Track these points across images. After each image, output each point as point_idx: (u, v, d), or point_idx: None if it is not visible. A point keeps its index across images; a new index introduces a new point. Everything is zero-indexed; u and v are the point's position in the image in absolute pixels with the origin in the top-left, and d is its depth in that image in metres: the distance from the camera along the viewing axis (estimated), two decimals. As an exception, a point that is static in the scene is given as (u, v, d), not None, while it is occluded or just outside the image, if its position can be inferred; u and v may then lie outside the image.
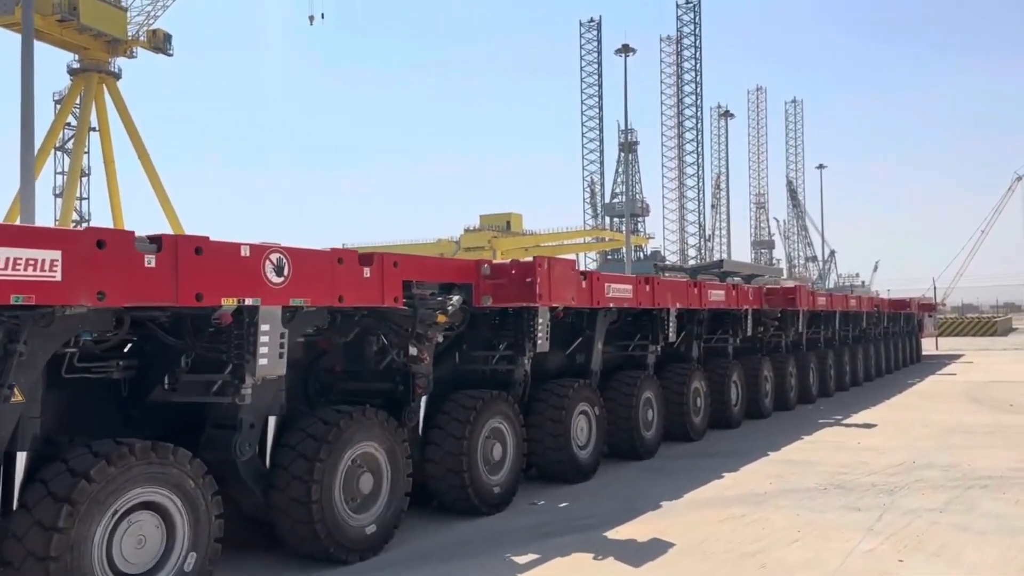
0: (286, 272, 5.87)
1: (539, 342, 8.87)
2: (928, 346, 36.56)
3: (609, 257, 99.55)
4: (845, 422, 14.54)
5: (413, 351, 7.41)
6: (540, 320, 8.80)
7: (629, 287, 10.82)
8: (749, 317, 14.65)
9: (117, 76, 63.33)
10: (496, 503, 8.14)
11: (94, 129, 63.73)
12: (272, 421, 6.32)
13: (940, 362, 29.61)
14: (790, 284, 76.47)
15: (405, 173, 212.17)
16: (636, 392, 10.93)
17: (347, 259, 6.36)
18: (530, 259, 7.91)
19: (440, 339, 8.93)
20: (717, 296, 13.49)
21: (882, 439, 12.52)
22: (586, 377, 10.51)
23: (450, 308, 7.59)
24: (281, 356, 5.91)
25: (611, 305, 10.44)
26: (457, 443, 7.74)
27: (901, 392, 19.66)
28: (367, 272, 6.57)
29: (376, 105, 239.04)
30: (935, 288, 37.80)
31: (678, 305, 12.18)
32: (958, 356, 32.51)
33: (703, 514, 8.03)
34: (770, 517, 7.86)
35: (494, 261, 8.18)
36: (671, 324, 12.03)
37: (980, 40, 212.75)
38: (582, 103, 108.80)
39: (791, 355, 16.81)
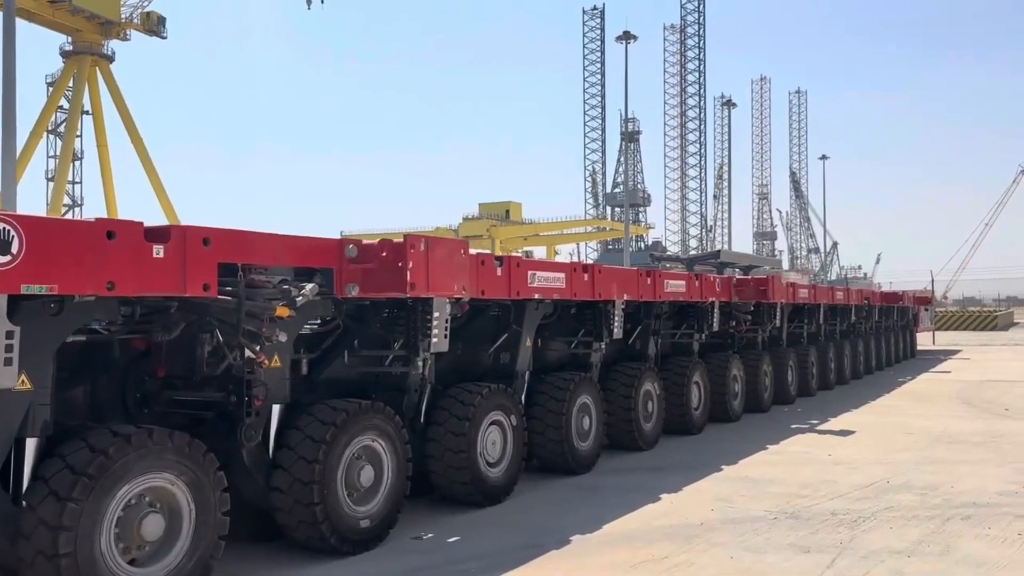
0: (15, 249, 4.30)
1: (434, 340, 7.29)
2: (925, 341, 34.86)
3: (610, 247, 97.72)
4: (821, 428, 12.93)
5: (249, 353, 5.86)
6: (436, 314, 7.23)
7: (561, 275, 9.23)
8: (716, 310, 13.04)
9: (110, 59, 61.82)
10: (363, 540, 6.56)
11: (87, 112, 62.30)
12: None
13: (936, 358, 27.93)
14: (792, 276, 74.26)
15: (406, 161, 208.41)
16: (569, 397, 9.36)
17: (123, 233, 4.77)
18: (402, 239, 6.28)
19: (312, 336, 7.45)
20: (676, 287, 11.88)
21: (857, 450, 10.92)
22: (511, 380, 8.98)
23: (299, 299, 6.03)
24: (8, 363, 4.36)
25: (537, 296, 8.85)
26: (308, 468, 6.16)
27: (889, 392, 18.03)
28: (159, 251, 4.98)
29: (377, 91, 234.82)
30: (933, 280, 36.09)
31: (626, 297, 10.58)
32: (955, 352, 30.80)
33: (616, 554, 6.45)
34: (696, 561, 6.27)
35: (367, 242, 6.55)
36: (616, 318, 10.44)
37: (986, 35, 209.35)
38: (584, 92, 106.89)
39: (766, 352, 15.19)
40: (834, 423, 13.39)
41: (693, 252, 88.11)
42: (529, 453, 9.16)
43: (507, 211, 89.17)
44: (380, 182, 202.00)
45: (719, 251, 70.43)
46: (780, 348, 16.14)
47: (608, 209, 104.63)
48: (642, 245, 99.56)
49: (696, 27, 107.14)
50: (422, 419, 7.81)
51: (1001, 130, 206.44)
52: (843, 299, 19.89)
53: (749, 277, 13.50)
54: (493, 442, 8.16)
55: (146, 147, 62.24)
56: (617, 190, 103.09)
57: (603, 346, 10.58)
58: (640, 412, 10.98)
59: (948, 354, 29.69)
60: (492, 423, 8.16)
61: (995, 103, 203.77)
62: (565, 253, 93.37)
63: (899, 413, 14.53)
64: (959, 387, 18.75)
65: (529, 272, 8.64)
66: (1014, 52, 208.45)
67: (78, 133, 63.26)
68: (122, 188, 65.72)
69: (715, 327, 13.11)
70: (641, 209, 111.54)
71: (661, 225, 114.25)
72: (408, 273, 6.21)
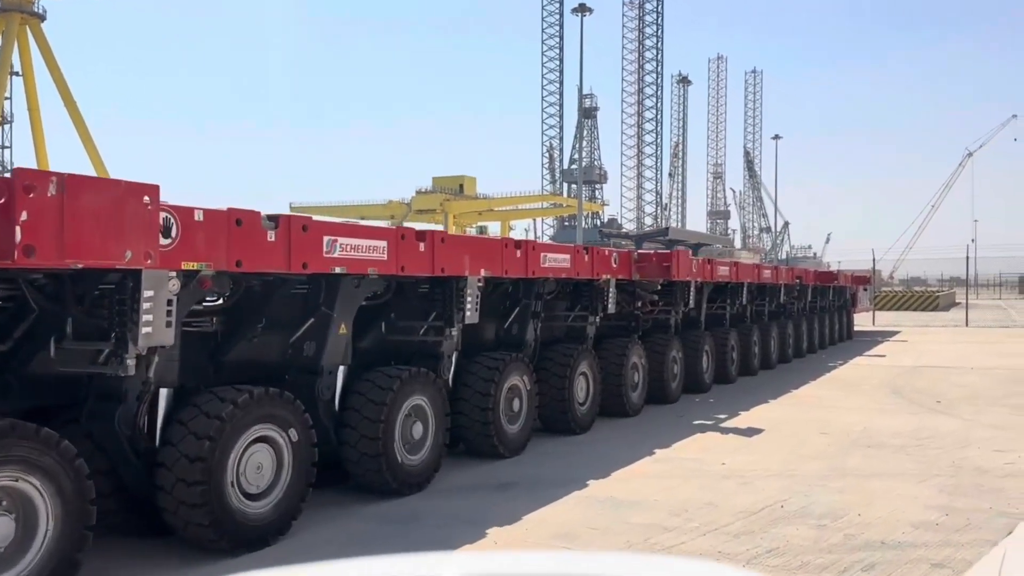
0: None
1: (146, 331, 5.18)
2: (864, 322, 33.40)
3: (566, 224, 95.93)
4: (726, 424, 11.07)
5: None
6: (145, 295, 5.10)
7: (381, 244, 7.15)
8: (612, 289, 11.06)
9: (42, 17, 58.24)
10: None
11: (17, 73, 58.75)
12: None
13: (873, 340, 26.39)
14: (744, 255, 73.13)
15: (359, 134, 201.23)
16: (392, 400, 7.29)
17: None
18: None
19: None
20: (557, 262, 9.87)
21: (758, 457, 9.04)
22: (316, 376, 6.97)
23: None
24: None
25: (339, 269, 6.76)
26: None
27: (815, 379, 16.27)
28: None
29: (329, 61, 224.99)
30: (875, 260, 34.64)
31: (483, 273, 8.55)
32: (894, 333, 29.34)
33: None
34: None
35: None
36: (469, 299, 8.40)
37: (939, 15, 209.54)
38: (543, 67, 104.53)
39: (675, 337, 13.29)
40: (744, 418, 11.53)
41: (649, 229, 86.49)
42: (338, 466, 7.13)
43: (461, 185, 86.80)
44: (333, 156, 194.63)
45: (667, 228, 69.07)
46: (695, 332, 14.25)
47: (565, 185, 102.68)
48: (597, 222, 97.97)
49: (655, 2, 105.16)
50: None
51: (951, 113, 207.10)
52: (771, 278, 18.07)
53: (651, 252, 11.54)
54: (258, 465, 6.08)
55: (79, 110, 58.82)
56: (574, 167, 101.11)
57: (454, 332, 8.54)
58: (502, 413, 8.98)
59: (886, 336, 28.20)
60: (255, 440, 6.07)
61: (946, 86, 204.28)
62: (520, 229, 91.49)
63: (820, 406, 12.73)
64: (891, 374, 17.07)
65: (326, 238, 6.54)
66: (968, 34, 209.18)
67: (7, 95, 59.74)
68: (55, 154, 62.11)
69: (611, 308, 11.13)
70: (597, 186, 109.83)
71: (617, 202, 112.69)
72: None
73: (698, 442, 9.96)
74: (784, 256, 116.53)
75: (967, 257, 33.39)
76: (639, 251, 11.44)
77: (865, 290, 28.95)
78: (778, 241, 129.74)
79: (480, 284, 8.57)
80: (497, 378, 8.86)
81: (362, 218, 64.41)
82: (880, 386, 15.14)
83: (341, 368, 7.29)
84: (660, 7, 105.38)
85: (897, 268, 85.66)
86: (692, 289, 13.65)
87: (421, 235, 7.71)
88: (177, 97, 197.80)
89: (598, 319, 10.95)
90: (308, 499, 6.36)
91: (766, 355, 17.74)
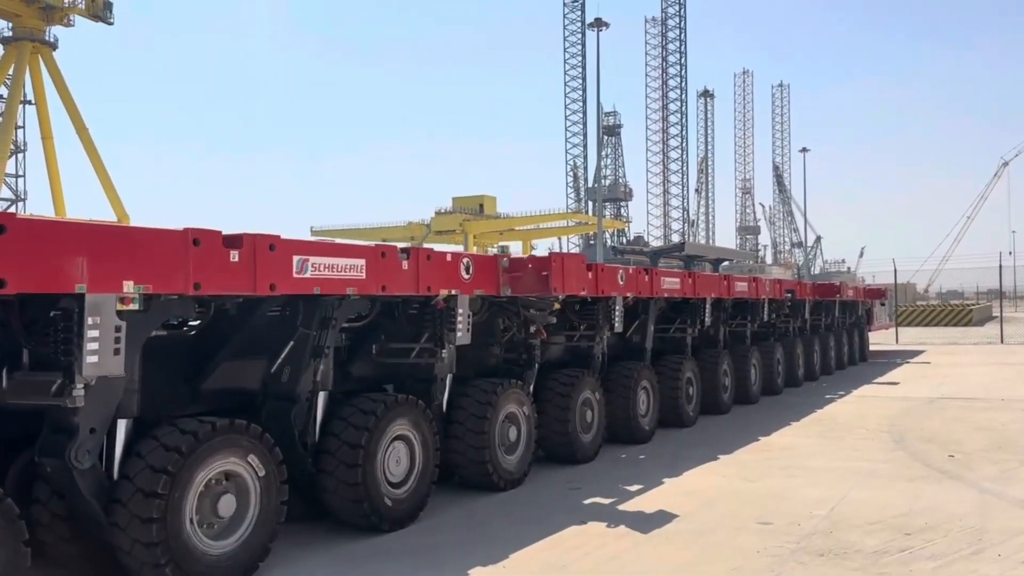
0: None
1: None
2: (887, 340, 29.22)
3: (591, 242, 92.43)
4: (625, 506, 7.40)
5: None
6: None
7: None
8: (464, 309, 7.51)
9: (53, 46, 56.60)
10: None
11: (29, 102, 57.18)
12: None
13: (891, 361, 22.31)
14: (775, 271, 68.59)
15: (381, 156, 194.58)
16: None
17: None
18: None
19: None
20: (320, 271, 6.40)
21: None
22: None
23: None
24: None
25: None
26: None
27: (798, 420, 12.47)
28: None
29: (349, 85, 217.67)
30: (895, 271, 30.37)
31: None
32: (917, 353, 25.14)
33: None
34: None
35: None
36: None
37: (967, 28, 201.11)
38: (565, 85, 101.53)
39: (588, 374, 9.62)
40: (660, 493, 7.85)
41: (663, 245, 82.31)
42: None
43: (481, 205, 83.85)
44: (355, 179, 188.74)
45: (683, 243, 64.82)
46: (621, 366, 10.61)
47: (589, 204, 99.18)
48: (624, 240, 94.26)
49: (677, 19, 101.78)
50: None
51: (985, 122, 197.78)
52: (748, 292, 14.30)
53: (528, 257, 7.91)
54: None
55: (92, 139, 56.90)
56: (599, 184, 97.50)
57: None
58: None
59: (907, 356, 24.05)
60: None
61: (979, 95, 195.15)
62: (544, 248, 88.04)
63: (783, 466, 9.00)
64: (899, 410, 13.20)
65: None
66: (997, 44, 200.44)
67: (20, 124, 58.21)
68: (69, 181, 60.35)
69: (462, 337, 7.54)
70: (623, 203, 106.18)
71: (643, 219, 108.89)
72: None
73: (553, 549, 6.31)
74: (818, 271, 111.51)
75: (1000, 266, 29.08)
76: (509, 257, 7.87)
77: (883, 304, 24.84)
78: (810, 256, 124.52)
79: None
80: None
81: (383, 240, 61.90)
82: (878, 430, 11.32)
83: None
84: (682, 23, 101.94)
85: (933, 282, 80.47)
86: (617, 308, 10.07)
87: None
88: (194, 124, 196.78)
89: (443, 352, 7.39)
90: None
91: (742, 387, 13.96)
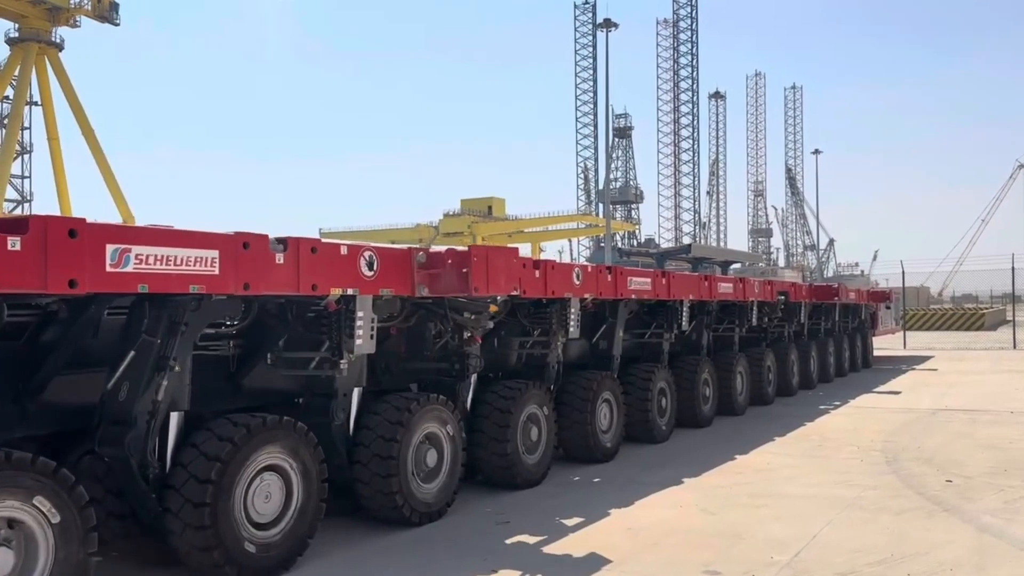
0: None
1: None
2: (894, 344, 27.80)
3: (602, 244, 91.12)
4: (551, 547, 6.14)
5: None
6: None
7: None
8: (363, 313, 6.37)
9: (59, 47, 56.01)
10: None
11: (36, 103, 56.66)
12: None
13: (896, 368, 20.95)
14: (788, 274, 66.81)
15: (392, 159, 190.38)
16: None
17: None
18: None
19: None
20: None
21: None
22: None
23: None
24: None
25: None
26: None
27: (783, 434, 11.21)
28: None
29: (358, 87, 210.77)
30: (903, 273, 28.93)
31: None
32: (924, 359, 23.73)
33: None
34: None
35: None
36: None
37: (982, 31, 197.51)
38: (576, 87, 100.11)
39: (534, 385, 8.40)
40: (596, 532, 6.60)
41: (670, 247, 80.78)
42: None
43: (489, 207, 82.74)
44: (364, 180, 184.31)
45: (690, 245, 63.20)
46: (580, 377, 9.41)
47: (600, 206, 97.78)
48: (634, 242, 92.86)
49: (689, 21, 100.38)
50: None
51: (1000, 124, 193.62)
52: (733, 294, 13.06)
53: (446, 250, 6.68)
54: None
55: (98, 140, 56.24)
56: (610, 186, 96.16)
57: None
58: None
59: (914, 362, 22.65)
60: None
61: (994, 98, 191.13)
62: (554, 250, 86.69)
63: (753, 496, 7.75)
64: (896, 423, 11.93)
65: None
66: (1012, 47, 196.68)
67: (26, 125, 57.70)
68: (75, 182, 59.76)
69: (363, 346, 6.35)
70: (634, 206, 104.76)
71: (655, 222, 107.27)
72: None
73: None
74: (831, 274, 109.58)
75: (1012, 268, 27.57)
76: (426, 251, 6.69)
77: (888, 308, 23.47)
78: (823, 259, 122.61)
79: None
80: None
81: (392, 242, 60.78)
82: (870, 448, 10.06)
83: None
84: (694, 24, 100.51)
85: (947, 285, 78.52)
86: (573, 311, 8.89)
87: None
88: (201, 126, 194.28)
89: (342, 362, 6.22)
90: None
91: (726, 397, 12.73)
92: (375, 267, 6.16)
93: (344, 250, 5.89)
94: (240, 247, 5.11)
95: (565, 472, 8.74)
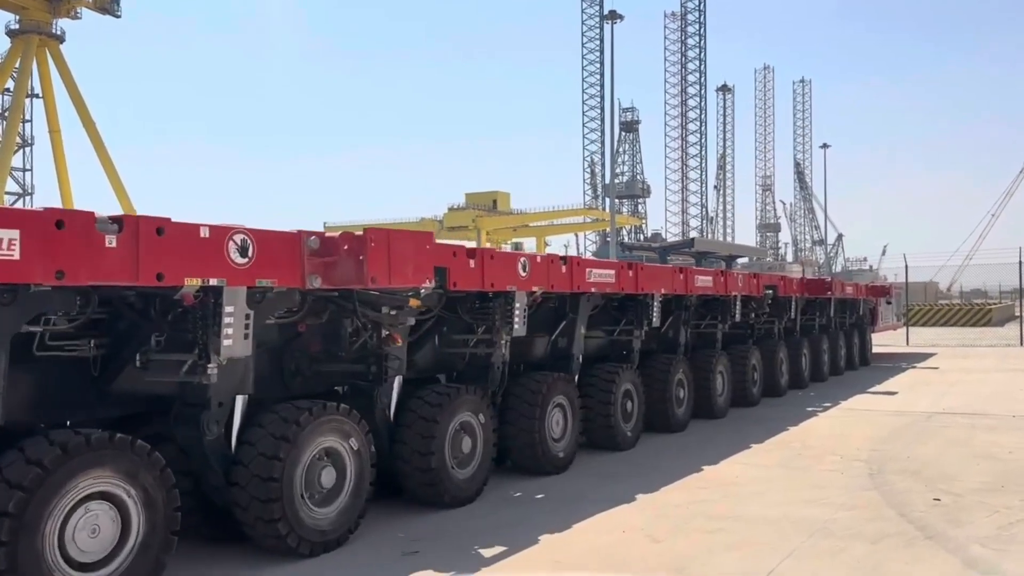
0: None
1: None
2: (896, 341, 26.63)
3: (608, 239, 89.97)
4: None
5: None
6: None
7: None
8: (231, 308, 5.40)
9: (60, 39, 55.27)
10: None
11: (37, 96, 55.98)
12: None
13: (895, 366, 19.81)
14: (795, 268, 65.21)
15: (394, 152, 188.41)
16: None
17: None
18: None
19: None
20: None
21: None
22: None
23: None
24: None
25: None
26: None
27: (761, 441, 10.16)
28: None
29: (362, 81, 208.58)
30: (906, 267, 27.74)
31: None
32: (926, 356, 22.57)
33: None
34: None
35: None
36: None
37: (992, 24, 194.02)
38: (583, 80, 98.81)
39: (468, 390, 7.40)
40: (515, 565, 5.61)
41: (673, 240, 79.53)
42: None
43: (494, 201, 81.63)
44: (369, 174, 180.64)
45: (693, 239, 62.18)
46: (528, 379, 8.40)
47: (607, 200, 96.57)
48: (641, 236, 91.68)
49: (696, 14, 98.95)
50: None
51: (1012, 119, 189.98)
52: (714, 288, 12.01)
53: (340, 236, 5.65)
54: None
55: (99, 133, 55.50)
56: (616, 181, 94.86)
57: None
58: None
59: (915, 360, 21.51)
60: None
61: (1004, 92, 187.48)
62: (559, 245, 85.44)
63: (710, 518, 6.70)
64: (888, 428, 10.87)
65: None
66: (1022, 41, 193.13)
67: (27, 118, 57.08)
68: (76, 175, 59.13)
69: (234, 347, 5.33)
70: (640, 200, 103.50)
71: (662, 216, 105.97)
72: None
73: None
74: (839, 269, 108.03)
75: (1020, 262, 26.31)
76: (320, 235, 5.70)
77: (889, 303, 22.32)
78: (832, 254, 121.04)
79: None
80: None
81: (397, 235, 59.73)
82: (855, 458, 9.01)
83: None
84: (702, 18, 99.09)
85: (956, 280, 76.91)
86: (517, 306, 7.90)
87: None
88: (203, 119, 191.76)
89: (210, 366, 5.23)
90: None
91: (704, 399, 11.68)
92: (250, 253, 5.18)
93: (205, 232, 4.90)
94: (51, 226, 4.14)
95: (508, 486, 7.75)
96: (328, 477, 5.74)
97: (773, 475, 8.28)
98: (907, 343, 26.70)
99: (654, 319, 10.50)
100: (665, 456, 9.25)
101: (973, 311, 38.13)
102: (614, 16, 45.34)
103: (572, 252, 78.10)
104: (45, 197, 59.27)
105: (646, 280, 10.15)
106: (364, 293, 6.18)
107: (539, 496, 7.46)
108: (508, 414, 8.12)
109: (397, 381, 6.90)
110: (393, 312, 6.50)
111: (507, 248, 67.61)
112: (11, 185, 56.00)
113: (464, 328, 8.12)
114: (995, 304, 41.43)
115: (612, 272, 9.49)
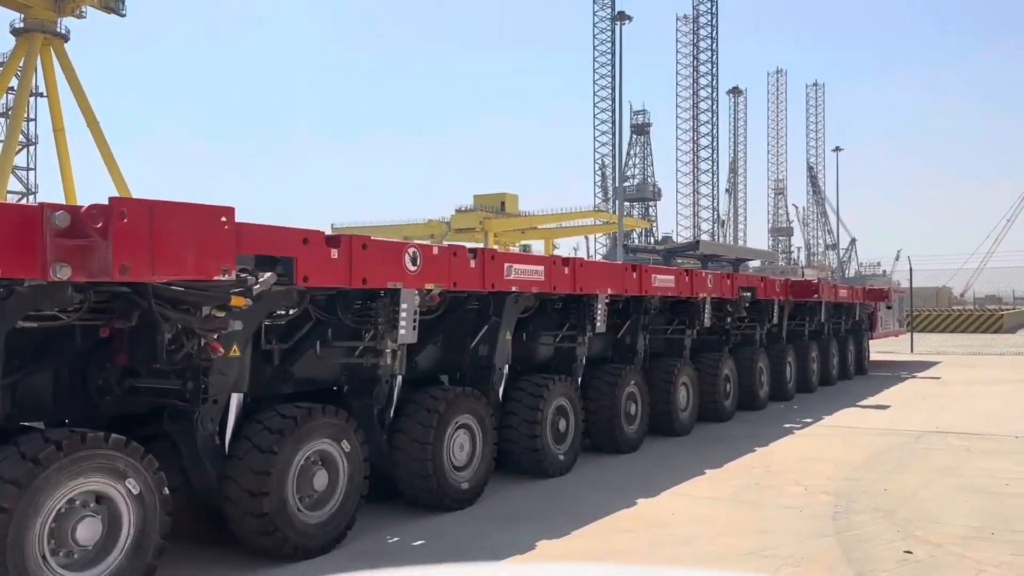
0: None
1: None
2: (901, 348, 24.93)
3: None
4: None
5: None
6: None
7: None
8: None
9: (64, 38, 54.53)
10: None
11: (41, 94, 55.27)
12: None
13: (894, 376, 18.17)
14: (809, 272, 63.41)
15: (407, 154, 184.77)
16: None
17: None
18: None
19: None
20: None
21: None
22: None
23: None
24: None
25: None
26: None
27: (720, 466, 8.65)
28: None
29: (368, 83, 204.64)
30: (911, 269, 25.97)
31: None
32: (929, 365, 20.88)
33: None
34: None
35: None
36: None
37: (1007, 25, 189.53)
38: (595, 83, 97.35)
39: (326, 412, 5.94)
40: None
41: (678, 243, 77.73)
42: None
43: (502, 203, 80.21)
44: (377, 175, 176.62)
45: (698, 242, 60.25)
46: (423, 396, 6.95)
47: (617, 202, 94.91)
48: (651, 240, 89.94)
49: (709, 16, 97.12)
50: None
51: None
52: (677, 289, 10.51)
53: (95, 207, 4.30)
54: None
55: (103, 132, 54.69)
56: (627, 183, 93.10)
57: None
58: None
59: (917, 369, 19.84)
60: None
61: (1019, 94, 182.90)
62: (568, 247, 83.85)
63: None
64: (869, 451, 9.33)
65: None
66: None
67: (31, 117, 56.39)
68: (80, 174, 58.38)
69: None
70: (651, 203, 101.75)
71: (672, 219, 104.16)
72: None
73: None
74: (852, 273, 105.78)
75: (1032, 265, 24.50)
76: (67, 209, 4.31)
77: (889, 308, 20.66)
78: (845, 258, 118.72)
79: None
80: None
81: (404, 238, 58.53)
82: (821, 490, 7.49)
83: None
84: (714, 20, 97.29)
85: (970, 285, 74.59)
86: (403, 307, 6.46)
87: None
88: (208, 117, 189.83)
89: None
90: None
91: (662, 415, 10.20)
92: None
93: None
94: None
95: (388, 528, 6.31)
96: (85, 532, 4.34)
97: (717, 513, 6.80)
98: (911, 350, 24.97)
99: (598, 323, 9.02)
100: (597, 486, 7.77)
101: (983, 317, 36.19)
102: (623, 17, 44.10)
103: (582, 254, 76.42)
104: (48, 196, 58.50)
105: (587, 278, 8.68)
106: (163, 288, 4.77)
107: (416, 544, 5.99)
108: (397, 438, 6.69)
109: (235, 400, 5.50)
110: (217, 314, 5.07)
111: (515, 251, 66.26)
112: (15, 184, 55.28)
113: (351, 334, 6.72)
114: (1008, 310, 39.47)
115: (540, 268, 8.03)
